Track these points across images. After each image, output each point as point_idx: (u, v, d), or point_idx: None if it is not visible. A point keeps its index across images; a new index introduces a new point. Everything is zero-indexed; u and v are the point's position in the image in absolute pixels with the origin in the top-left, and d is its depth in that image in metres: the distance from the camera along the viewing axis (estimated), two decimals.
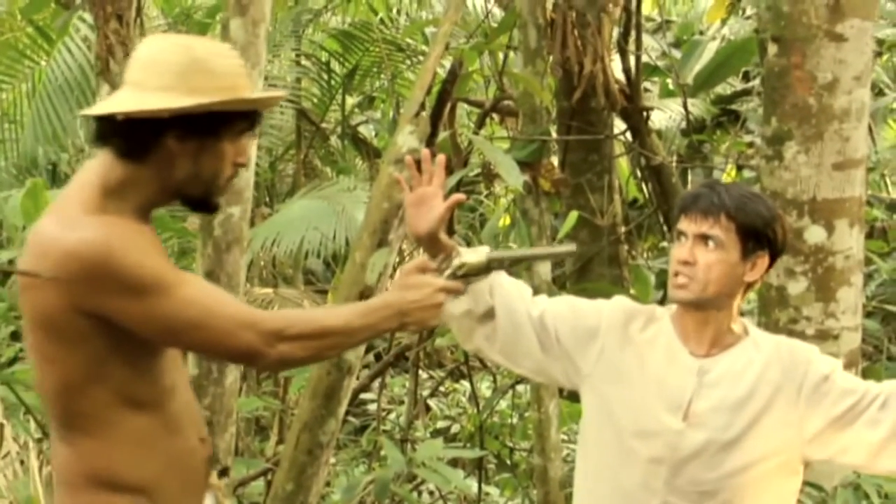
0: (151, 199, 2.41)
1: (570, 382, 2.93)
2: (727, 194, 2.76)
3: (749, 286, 2.81)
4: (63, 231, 2.28)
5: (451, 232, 3.04)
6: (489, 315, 2.85)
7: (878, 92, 9.58)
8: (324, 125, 9.74)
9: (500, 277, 2.87)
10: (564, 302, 2.95)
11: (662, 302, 6.77)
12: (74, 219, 2.30)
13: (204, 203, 2.46)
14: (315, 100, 9.60)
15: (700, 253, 2.72)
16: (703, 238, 2.72)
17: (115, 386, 2.36)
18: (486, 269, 2.74)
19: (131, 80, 2.37)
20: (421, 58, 9.01)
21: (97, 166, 2.38)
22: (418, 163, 2.82)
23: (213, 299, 2.37)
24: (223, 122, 2.37)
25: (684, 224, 2.75)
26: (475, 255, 2.74)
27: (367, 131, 10.80)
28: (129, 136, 2.32)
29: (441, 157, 2.81)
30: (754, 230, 2.74)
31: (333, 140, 10.02)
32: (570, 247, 2.87)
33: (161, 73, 2.33)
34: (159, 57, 2.36)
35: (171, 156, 2.35)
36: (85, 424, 2.37)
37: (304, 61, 9.60)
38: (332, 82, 9.45)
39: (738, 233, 2.73)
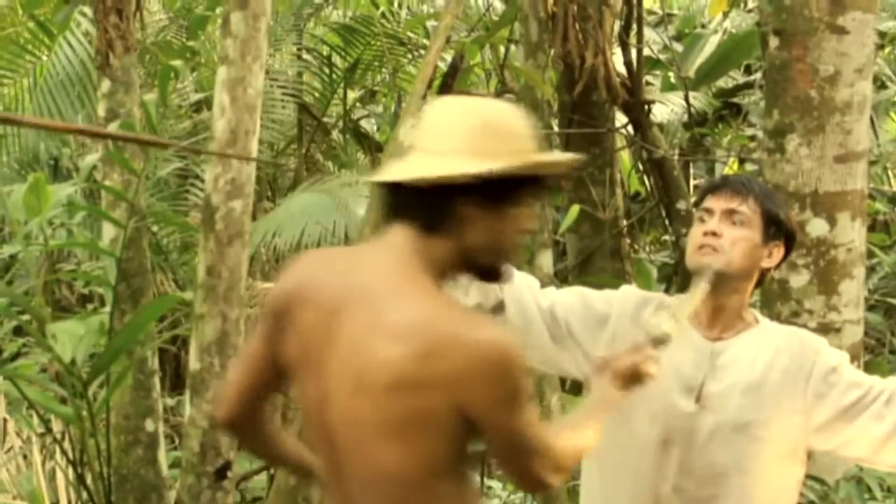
0: (448, 274, 2.30)
1: (580, 372, 2.92)
2: (755, 182, 2.88)
3: (762, 276, 2.85)
4: (459, 327, 2.17)
5: None
6: (499, 308, 2.84)
7: (880, 85, 9.56)
8: (325, 119, 9.74)
9: None
10: (573, 292, 2.95)
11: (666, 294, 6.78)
12: (457, 313, 2.21)
13: (493, 271, 2.34)
14: (316, 94, 9.60)
15: (726, 228, 2.78)
16: (730, 214, 2.79)
17: (463, 466, 2.30)
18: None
19: (419, 145, 2.26)
20: (422, 52, 9.00)
21: (401, 241, 2.24)
22: None
23: (538, 422, 2.30)
24: (518, 187, 2.26)
25: (711, 202, 2.82)
26: (669, 324, 2.67)
27: (368, 125, 10.80)
28: (428, 205, 2.21)
29: None
30: (777, 218, 2.81)
31: (335, 134, 10.02)
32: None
33: (450, 136, 2.24)
34: (447, 120, 2.27)
35: (468, 224, 2.23)
36: None
37: (305, 55, 9.60)
38: (334, 76, 9.44)
39: (763, 217, 2.80)
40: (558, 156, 2.40)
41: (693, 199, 6.54)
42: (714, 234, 2.78)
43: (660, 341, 2.63)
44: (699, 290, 2.77)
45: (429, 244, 2.22)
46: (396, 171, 2.25)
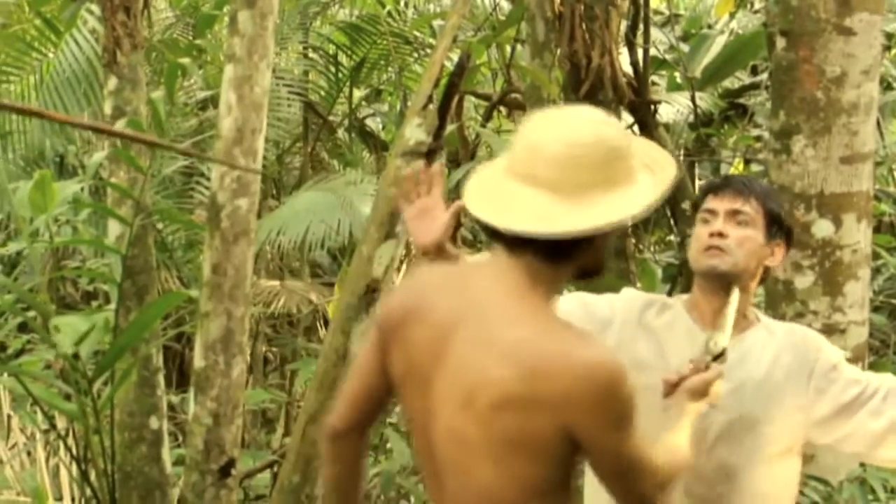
0: (559, 290, 2.32)
1: None
2: (756, 182, 2.92)
3: (765, 274, 2.88)
4: (568, 347, 2.15)
5: (453, 239, 3.01)
6: None
7: (886, 86, 9.54)
8: (331, 118, 9.74)
9: None
10: (574, 299, 2.94)
11: (669, 295, 6.76)
12: (568, 334, 2.20)
13: (596, 270, 2.34)
14: (322, 92, 9.61)
15: (731, 229, 2.80)
16: (735, 214, 2.81)
17: (566, 490, 2.29)
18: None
19: (542, 177, 2.17)
20: (428, 51, 9.00)
21: (518, 266, 2.21)
22: (415, 177, 2.79)
23: (643, 442, 2.26)
24: None
25: (714, 202, 2.84)
26: (724, 338, 2.73)
27: (374, 124, 10.80)
28: (558, 243, 2.17)
29: (437, 166, 2.77)
30: (778, 216, 2.85)
31: (340, 133, 10.02)
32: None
33: (577, 168, 2.16)
34: (565, 148, 2.17)
35: (594, 248, 2.24)
36: None
37: (311, 54, 9.61)
38: (340, 75, 9.45)
39: (765, 216, 2.83)
40: (669, 160, 2.32)
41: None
42: (720, 234, 2.79)
43: (720, 356, 2.67)
44: (733, 300, 2.79)
45: (548, 269, 2.21)
46: (535, 217, 2.16)
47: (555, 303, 2.27)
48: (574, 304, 2.91)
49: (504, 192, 2.20)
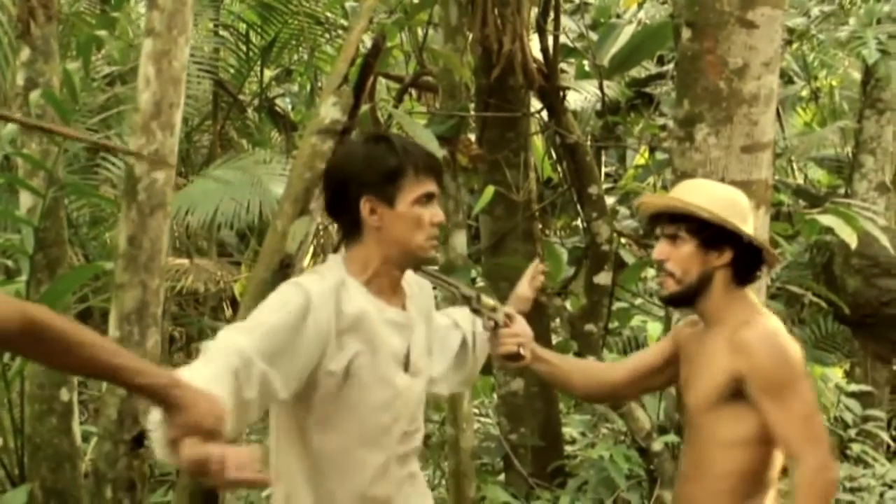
0: None
1: (288, 390, 2.70)
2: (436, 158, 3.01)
3: None
4: None
5: None
6: (252, 404, 2.60)
7: (787, 80, 9.82)
8: (241, 97, 9.73)
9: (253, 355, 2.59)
10: (266, 330, 2.66)
11: (574, 278, 6.90)
12: None
13: None
14: (233, 71, 9.59)
15: (437, 211, 2.87)
16: (433, 197, 2.85)
17: None
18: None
19: None
20: (340, 32, 9.04)
21: None
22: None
23: None
24: None
25: (432, 186, 2.84)
26: (484, 296, 3.09)
27: (284, 104, 10.80)
28: None
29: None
30: None
31: (250, 112, 10.01)
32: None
33: None
34: None
35: None
36: None
37: (222, 32, 9.58)
38: (251, 54, 9.43)
39: None
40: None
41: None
42: (440, 223, 2.85)
43: (494, 309, 3.07)
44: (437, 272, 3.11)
45: None
46: None
47: None
48: (272, 335, 2.65)
49: None
